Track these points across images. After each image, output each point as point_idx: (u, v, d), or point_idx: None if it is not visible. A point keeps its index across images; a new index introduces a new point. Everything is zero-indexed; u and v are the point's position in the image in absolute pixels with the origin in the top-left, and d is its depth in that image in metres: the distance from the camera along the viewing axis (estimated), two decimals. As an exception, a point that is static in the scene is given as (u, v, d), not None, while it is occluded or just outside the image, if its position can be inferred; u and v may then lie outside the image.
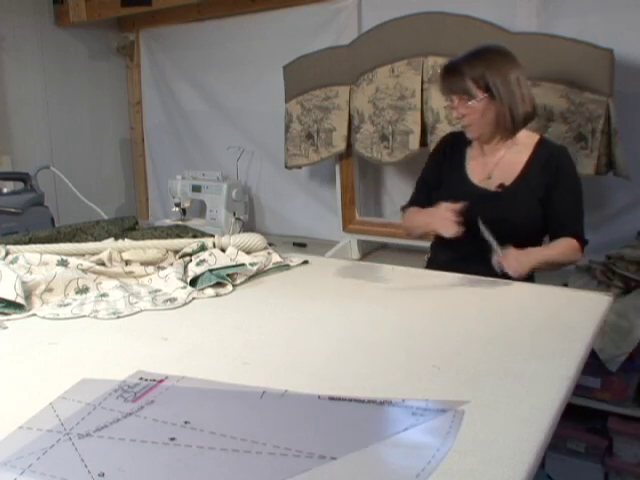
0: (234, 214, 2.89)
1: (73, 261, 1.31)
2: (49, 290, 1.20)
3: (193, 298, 1.21)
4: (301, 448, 0.63)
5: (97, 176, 3.34)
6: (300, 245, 2.73)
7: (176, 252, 1.46)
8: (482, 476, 0.59)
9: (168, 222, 2.73)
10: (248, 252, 1.45)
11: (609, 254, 1.88)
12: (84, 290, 1.23)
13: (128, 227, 1.68)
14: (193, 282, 1.27)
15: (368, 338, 0.99)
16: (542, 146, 1.59)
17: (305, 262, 1.50)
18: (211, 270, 1.29)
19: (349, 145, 2.41)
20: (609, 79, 1.82)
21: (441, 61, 2.09)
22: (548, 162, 1.56)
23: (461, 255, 1.55)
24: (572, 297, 1.18)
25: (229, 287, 1.26)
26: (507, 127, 1.56)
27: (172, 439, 0.65)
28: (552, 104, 1.91)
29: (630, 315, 1.70)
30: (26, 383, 0.82)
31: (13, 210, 1.78)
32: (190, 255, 1.44)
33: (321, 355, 0.91)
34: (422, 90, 2.16)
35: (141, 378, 0.81)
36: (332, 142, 2.43)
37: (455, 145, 1.69)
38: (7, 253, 1.34)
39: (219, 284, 1.26)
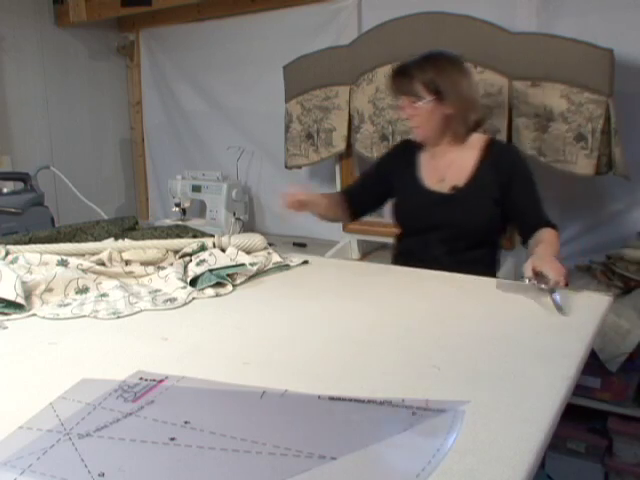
0: (234, 214, 2.89)
1: (73, 261, 1.31)
2: (49, 290, 1.20)
3: (193, 298, 1.21)
4: (301, 448, 0.63)
5: (97, 176, 3.34)
6: (300, 245, 2.73)
7: (176, 252, 1.46)
8: (482, 476, 0.59)
9: (168, 222, 2.73)
10: (248, 252, 1.45)
11: (609, 254, 1.89)
12: (84, 290, 1.23)
13: (128, 227, 1.68)
14: (193, 282, 1.27)
15: (368, 338, 0.99)
16: (491, 147, 1.62)
17: (305, 262, 1.50)
18: (211, 270, 1.29)
19: (349, 145, 2.41)
20: (609, 79, 1.82)
21: (441, 61, 2.10)
22: (499, 162, 1.59)
23: (404, 249, 1.69)
24: (572, 297, 1.18)
25: (229, 287, 1.26)
26: (457, 131, 1.60)
27: (172, 439, 0.65)
28: (552, 104, 1.91)
29: (630, 315, 1.70)
30: (26, 383, 0.82)
31: (13, 210, 1.78)
32: (190, 255, 1.44)
33: (321, 355, 0.91)
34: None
35: (141, 378, 0.81)
36: (332, 142, 2.43)
37: (408, 151, 1.73)
38: (7, 253, 1.34)
39: (219, 284, 1.26)
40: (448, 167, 1.63)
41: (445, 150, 1.64)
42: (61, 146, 3.15)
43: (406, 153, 1.73)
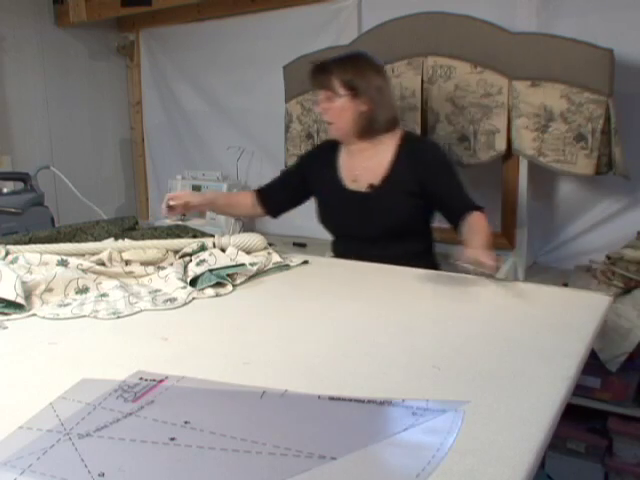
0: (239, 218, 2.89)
1: (73, 261, 1.31)
2: (49, 290, 1.20)
3: (193, 298, 1.21)
4: (301, 448, 0.63)
5: (97, 176, 3.34)
6: (300, 245, 2.73)
7: (176, 252, 1.46)
8: (482, 476, 0.59)
9: (168, 222, 2.73)
10: (248, 252, 1.45)
11: (609, 254, 1.89)
12: (84, 290, 1.23)
13: (128, 227, 1.68)
14: (193, 282, 1.27)
15: (368, 338, 0.99)
16: (405, 142, 1.67)
17: (305, 262, 1.50)
18: (211, 270, 1.29)
19: (349, 145, 2.41)
20: (609, 79, 1.82)
21: (441, 61, 2.10)
22: (414, 156, 1.64)
23: (341, 251, 1.73)
24: (572, 297, 1.18)
25: (229, 287, 1.26)
26: (367, 129, 1.65)
27: (172, 439, 0.65)
28: (552, 104, 1.91)
29: (630, 315, 1.70)
30: (26, 383, 0.82)
31: (13, 210, 1.78)
32: (190, 255, 1.44)
33: (321, 355, 0.91)
34: (422, 90, 2.16)
35: (141, 378, 0.81)
36: (332, 142, 2.43)
37: (329, 151, 1.78)
38: (7, 253, 1.34)
39: (219, 284, 1.26)
40: (365, 166, 1.67)
41: (361, 149, 1.69)
42: (61, 146, 3.15)
43: (327, 153, 1.78)
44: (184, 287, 1.24)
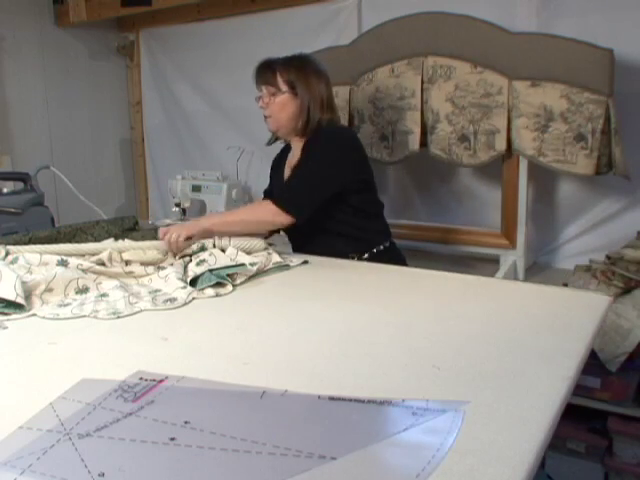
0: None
1: (73, 261, 1.31)
2: (49, 290, 1.20)
3: (193, 298, 1.21)
4: (301, 448, 0.63)
5: (97, 176, 3.34)
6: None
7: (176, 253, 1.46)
8: (482, 476, 0.59)
9: (168, 222, 2.73)
10: (248, 253, 1.46)
11: (609, 254, 1.89)
12: (84, 290, 1.23)
13: (128, 227, 1.68)
14: (193, 282, 1.27)
15: (368, 338, 0.99)
16: (312, 133, 1.72)
17: (305, 262, 1.50)
18: (211, 270, 1.29)
19: (349, 145, 2.41)
20: (609, 79, 1.82)
21: (441, 61, 2.10)
22: (309, 142, 1.70)
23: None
24: (572, 297, 1.18)
25: (229, 287, 1.26)
26: (303, 127, 1.72)
27: (172, 439, 0.65)
28: (552, 104, 1.91)
29: (630, 315, 1.70)
30: (26, 383, 0.82)
31: (13, 210, 1.78)
32: (190, 255, 1.44)
33: (321, 355, 0.91)
34: (422, 90, 2.16)
35: (141, 378, 0.81)
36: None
37: (280, 156, 1.90)
38: (7, 253, 1.34)
39: (219, 284, 1.26)
40: (295, 161, 1.73)
41: (296, 146, 1.76)
42: (61, 146, 3.15)
43: (282, 154, 1.88)
44: (184, 287, 1.24)
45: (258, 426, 0.69)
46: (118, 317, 1.10)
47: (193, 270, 1.31)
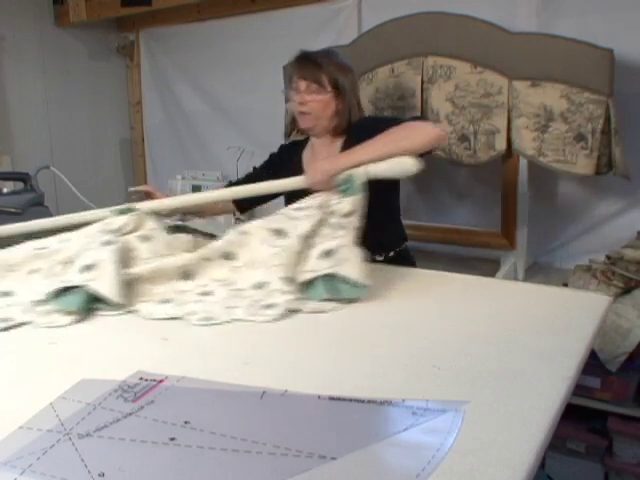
0: (234, 214, 2.89)
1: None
2: (150, 279, 1.14)
3: (292, 311, 1.08)
4: (301, 448, 0.63)
5: (97, 176, 3.34)
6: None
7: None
8: (482, 476, 0.59)
9: (168, 222, 2.72)
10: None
11: (609, 254, 1.89)
12: (188, 276, 1.16)
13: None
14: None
15: (368, 338, 0.99)
16: (351, 127, 1.67)
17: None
18: (327, 276, 1.12)
19: (349, 145, 2.41)
20: (609, 79, 1.81)
21: (441, 61, 2.10)
22: (358, 133, 1.58)
23: None
24: (572, 297, 1.18)
25: (331, 305, 1.10)
26: (339, 126, 1.66)
27: (172, 439, 0.65)
28: (552, 104, 1.91)
29: (630, 315, 1.70)
30: (26, 383, 0.82)
31: (13, 210, 1.78)
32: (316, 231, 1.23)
33: (321, 355, 0.91)
34: (422, 90, 2.16)
35: (141, 378, 0.81)
36: (332, 142, 2.43)
37: (290, 153, 1.81)
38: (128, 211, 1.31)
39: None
40: (322, 158, 1.64)
41: (324, 143, 1.70)
42: (61, 146, 3.15)
43: (289, 155, 1.80)
44: (288, 290, 1.10)
45: (258, 426, 0.69)
46: (212, 324, 1.03)
47: (312, 266, 1.14)
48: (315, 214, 1.26)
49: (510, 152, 2.03)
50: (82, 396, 0.76)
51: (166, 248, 1.28)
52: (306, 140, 1.79)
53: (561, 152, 1.93)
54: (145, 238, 1.28)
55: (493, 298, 1.21)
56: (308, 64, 1.64)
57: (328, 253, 1.18)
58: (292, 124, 1.92)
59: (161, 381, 0.80)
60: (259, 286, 1.15)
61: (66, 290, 1.10)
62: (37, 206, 1.88)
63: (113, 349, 0.95)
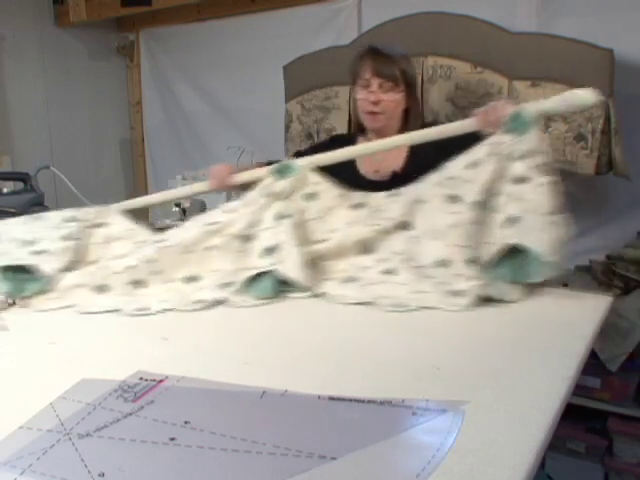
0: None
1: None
2: (330, 256, 1.11)
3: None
4: (301, 448, 0.63)
5: (97, 176, 3.34)
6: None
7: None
8: (482, 476, 0.59)
9: (168, 222, 2.72)
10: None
11: (609, 254, 1.89)
12: (367, 250, 1.12)
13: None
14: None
15: (368, 338, 0.99)
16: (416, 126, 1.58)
17: None
18: (513, 251, 1.01)
19: (349, 145, 2.41)
20: (609, 79, 1.81)
21: (441, 61, 2.10)
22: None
23: None
24: (572, 297, 1.18)
25: (515, 295, 1.05)
26: (404, 125, 1.58)
27: (172, 439, 0.65)
28: (552, 104, 1.91)
29: (630, 315, 1.70)
30: (26, 383, 0.82)
31: (13, 210, 1.78)
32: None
33: (321, 355, 0.91)
34: (422, 90, 2.15)
35: (141, 378, 0.81)
36: (332, 142, 2.43)
37: (339, 146, 1.67)
38: (286, 169, 1.26)
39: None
40: (383, 158, 1.61)
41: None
42: (61, 146, 3.15)
43: (338, 148, 1.70)
44: (471, 277, 1.03)
45: (258, 426, 0.69)
46: (406, 310, 0.98)
47: (495, 238, 1.03)
48: (487, 169, 1.11)
49: (510, 152, 2.03)
50: (82, 396, 0.76)
51: (335, 200, 1.22)
52: (352, 135, 1.71)
53: (561, 152, 1.93)
54: (311, 196, 1.23)
55: (493, 298, 1.20)
56: (384, 59, 1.54)
57: (513, 220, 1.04)
58: (354, 122, 1.76)
59: (161, 381, 0.80)
60: (442, 264, 1.07)
61: (256, 276, 1.10)
62: (37, 206, 1.88)
63: (113, 349, 0.95)
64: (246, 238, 1.19)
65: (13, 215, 1.77)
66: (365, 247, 1.14)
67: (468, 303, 1.02)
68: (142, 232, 1.30)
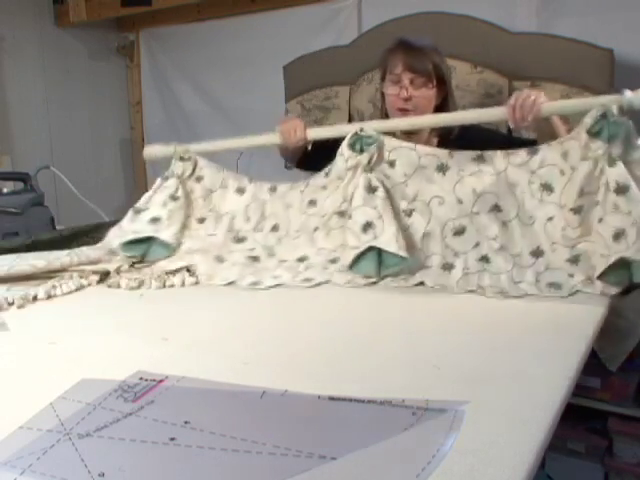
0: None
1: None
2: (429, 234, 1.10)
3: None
4: (301, 448, 0.63)
5: (97, 176, 3.33)
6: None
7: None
8: (482, 476, 0.59)
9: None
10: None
11: (609, 254, 1.88)
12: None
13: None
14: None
15: (368, 338, 0.99)
16: (444, 129, 1.54)
17: None
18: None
19: (349, 145, 2.41)
20: (609, 79, 1.82)
21: (441, 61, 2.10)
22: (461, 138, 1.49)
23: None
24: (572, 297, 1.18)
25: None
26: (446, 127, 1.52)
27: (172, 439, 0.65)
28: (552, 104, 1.91)
29: (630, 315, 1.70)
30: (26, 383, 0.82)
31: (13, 210, 1.79)
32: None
33: (321, 355, 0.91)
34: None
35: (141, 378, 0.81)
36: (332, 142, 2.43)
37: None
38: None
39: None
40: (412, 147, 1.57)
41: (407, 137, 1.57)
42: (61, 146, 3.15)
43: None
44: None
45: (258, 426, 0.69)
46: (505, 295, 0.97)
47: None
48: (582, 170, 1.06)
49: (510, 152, 2.03)
50: (82, 396, 0.76)
51: (415, 165, 1.23)
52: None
53: (561, 152, 1.93)
54: (392, 164, 1.24)
55: (493, 298, 1.20)
56: (418, 54, 1.48)
57: (620, 234, 1.01)
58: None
59: (161, 381, 0.80)
60: (538, 254, 1.05)
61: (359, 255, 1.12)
62: (37, 206, 1.89)
63: (113, 349, 0.95)
64: (342, 214, 1.23)
65: (13, 215, 1.78)
66: (455, 228, 1.11)
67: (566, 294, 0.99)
68: (235, 179, 1.48)
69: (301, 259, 1.26)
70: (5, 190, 1.91)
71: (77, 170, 3.05)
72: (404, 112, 1.51)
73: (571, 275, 0.99)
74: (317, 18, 2.66)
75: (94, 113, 3.30)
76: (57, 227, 1.89)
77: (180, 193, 1.44)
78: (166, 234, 1.34)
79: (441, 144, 1.50)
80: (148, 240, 1.36)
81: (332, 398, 0.75)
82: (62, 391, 0.77)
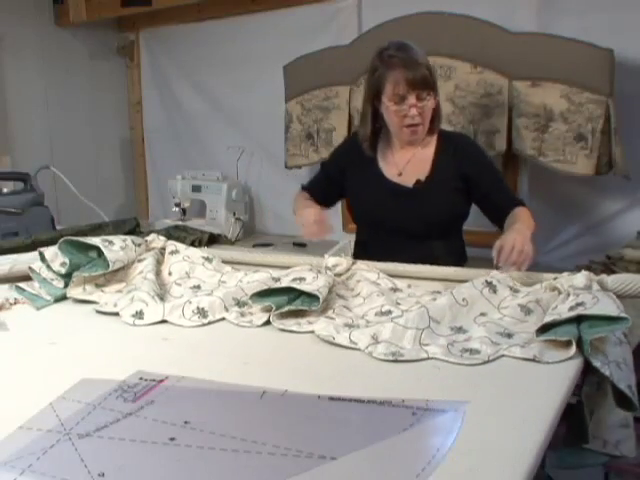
0: (234, 214, 2.89)
1: None
2: None
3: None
4: (301, 448, 0.63)
5: (97, 176, 3.33)
6: (300, 245, 2.72)
7: None
8: (482, 476, 0.59)
9: (168, 222, 2.73)
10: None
11: (609, 254, 1.88)
12: None
13: (129, 230, 1.68)
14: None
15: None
16: (445, 138, 1.61)
17: None
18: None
19: (349, 145, 2.41)
20: (609, 79, 1.82)
21: (441, 61, 2.09)
22: (458, 153, 1.57)
23: (381, 252, 1.46)
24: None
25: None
26: (436, 127, 1.59)
27: (172, 439, 0.65)
28: (552, 104, 1.91)
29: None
30: (26, 383, 0.82)
31: (13, 210, 1.79)
32: None
33: (321, 355, 0.91)
34: (422, 90, 2.15)
35: (141, 378, 0.81)
36: (332, 142, 2.43)
37: (358, 149, 1.65)
38: None
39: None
40: (407, 161, 1.60)
41: (408, 146, 1.61)
42: (61, 146, 3.15)
43: (358, 149, 1.65)
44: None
45: (258, 426, 0.69)
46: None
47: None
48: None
49: (510, 152, 2.03)
50: (82, 396, 0.76)
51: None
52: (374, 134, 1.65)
53: (561, 152, 1.93)
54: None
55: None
56: (419, 68, 1.46)
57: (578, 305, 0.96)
58: (371, 132, 1.61)
59: (161, 381, 0.80)
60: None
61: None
62: (37, 206, 1.89)
63: (113, 349, 0.95)
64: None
65: (13, 215, 1.78)
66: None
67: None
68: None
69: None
70: (5, 190, 1.91)
71: (77, 170, 3.04)
72: (414, 127, 1.52)
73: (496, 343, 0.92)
74: (317, 18, 2.66)
75: (94, 113, 3.30)
76: (57, 227, 1.89)
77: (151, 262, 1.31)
78: (113, 255, 1.22)
79: (443, 151, 1.57)
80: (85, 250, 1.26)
81: (332, 398, 0.75)
82: (62, 391, 0.77)
